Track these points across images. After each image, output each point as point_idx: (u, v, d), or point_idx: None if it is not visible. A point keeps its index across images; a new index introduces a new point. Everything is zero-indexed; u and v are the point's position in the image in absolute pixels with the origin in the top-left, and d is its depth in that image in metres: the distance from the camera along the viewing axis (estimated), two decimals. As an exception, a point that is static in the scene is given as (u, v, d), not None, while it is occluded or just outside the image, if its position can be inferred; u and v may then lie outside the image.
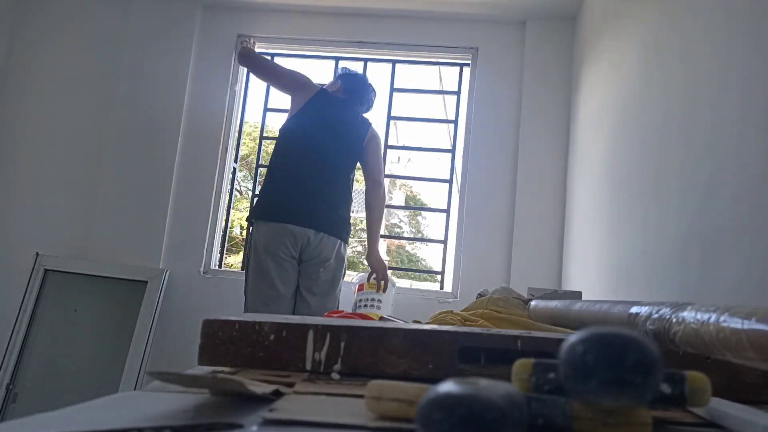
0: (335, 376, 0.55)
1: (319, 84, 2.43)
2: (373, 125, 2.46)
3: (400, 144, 4.37)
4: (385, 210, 2.55)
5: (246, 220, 2.22)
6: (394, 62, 3.10)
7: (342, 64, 3.12)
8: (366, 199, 2.38)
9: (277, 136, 2.36)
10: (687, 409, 0.45)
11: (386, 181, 2.62)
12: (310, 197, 2.15)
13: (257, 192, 3.04)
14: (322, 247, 2.14)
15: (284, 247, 2.09)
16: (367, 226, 2.36)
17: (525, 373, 0.34)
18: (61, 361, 2.73)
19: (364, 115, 2.46)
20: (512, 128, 2.89)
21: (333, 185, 2.23)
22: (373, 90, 2.51)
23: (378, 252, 2.33)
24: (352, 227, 2.35)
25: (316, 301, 2.14)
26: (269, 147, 2.48)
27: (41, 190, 3.01)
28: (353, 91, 2.43)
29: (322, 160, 2.21)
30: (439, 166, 3.29)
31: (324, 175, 2.20)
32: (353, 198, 2.40)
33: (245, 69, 3.14)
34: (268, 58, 2.86)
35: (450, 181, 3.02)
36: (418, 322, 0.94)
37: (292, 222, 2.10)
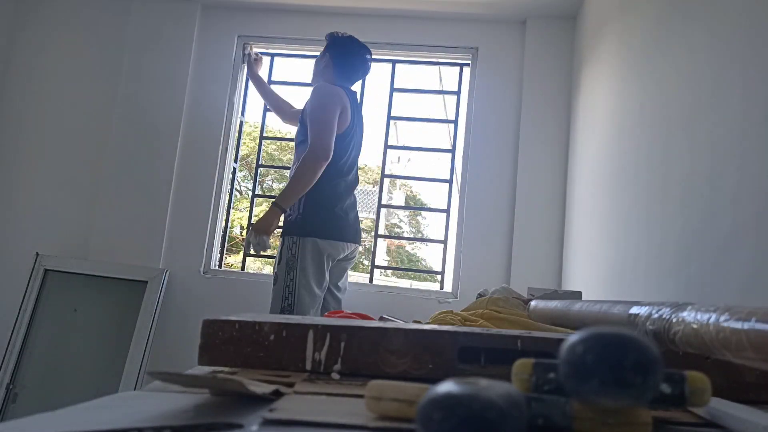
0: (335, 376, 0.55)
1: (339, 88, 2.28)
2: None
3: (400, 144, 4.37)
4: (385, 210, 2.58)
5: (296, 233, 2.19)
6: (394, 62, 3.10)
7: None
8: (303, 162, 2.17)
9: (279, 135, 2.42)
10: (687, 409, 0.45)
11: (387, 181, 2.66)
12: (357, 216, 2.35)
13: (257, 192, 3.03)
14: (354, 252, 2.37)
15: (337, 255, 2.26)
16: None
17: (525, 373, 0.34)
18: (61, 361, 2.73)
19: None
20: (512, 128, 2.89)
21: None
22: (367, 51, 2.43)
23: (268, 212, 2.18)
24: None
25: (343, 296, 2.38)
26: (269, 147, 2.51)
27: (41, 190, 3.01)
28: (345, 69, 2.36)
29: (356, 172, 2.39)
30: (439, 166, 3.29)
31: (355, 188, 2.38)
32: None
33: (245, 69, 3.14)
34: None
35: (450, 181, 3.02)
36: (418, 322, 0.94)
37: (350, 241, 2.29)
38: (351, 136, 2.31)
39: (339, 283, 2.34)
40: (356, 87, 2.50)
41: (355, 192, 2.39)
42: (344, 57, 2.38)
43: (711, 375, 0.35)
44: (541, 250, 2.74)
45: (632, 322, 0.51)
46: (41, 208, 2.99)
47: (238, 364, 0.56)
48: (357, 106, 2.40)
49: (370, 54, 2.46)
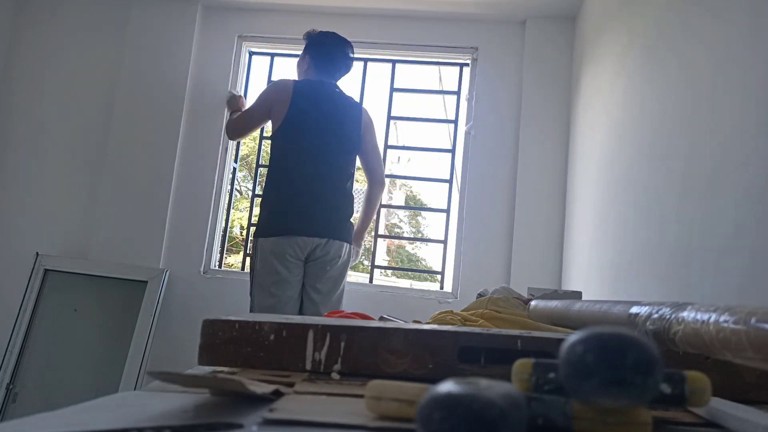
0: (335, 376, 0.55)
1: (290, 80, 2.35)
2: (365, 108, 2.41)
3: (400, 144, 4.36)
4: (385, 210, 2.56)
5: (253, 237, 2.27)
6: (394, 62, 3.10)
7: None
8: (367, 198, 2.43)
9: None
10: (687, 409, 0.45)
11: (387, 181, 2.63)
12: (314, 206, 2.17)
13: (258, 192, 3.03)
14: (329, 248, 2.18)
15: (291, 250, 2.14)
16: (361, 218, 2.46)
17: (525, 373, 0.34)
18: (61, 361, 2.73)
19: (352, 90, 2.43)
20: (512, 128, 2.89)
21: (335, 188, 2.23)
22: (348, 46, 2.40)
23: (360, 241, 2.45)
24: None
25: (322, 299, 2.18)
26: (269, 147, 2.48)
27: (41, 190, 3.01)
28: (324, 63, 2.36)
29: (320, 163, 2.21)
30: (439, 166, 3.29)
31: (325, 180, 2.21)
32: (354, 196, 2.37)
33: (245, 70, 3.15)
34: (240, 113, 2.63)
35: (450, 181, 3.02)
36: (418, 322, 0.94)
37: (298, 234, 2.14)
38: (289, 128, 2.24)
39: (317, 285, 2.20)
40: (357, 86, 2.50)
41: (330, 182, 2.21)
42: (322, 51, 2.39)
43: (711, 375, 0.35)
44: (541, 250, 2.74)
45: (632, 322, 0.51)
46: (41, 208, 2.99)
47: (238, 364, 0.56)
48: (318, 96, 2.30)
49: (351, 48, 2.43)
